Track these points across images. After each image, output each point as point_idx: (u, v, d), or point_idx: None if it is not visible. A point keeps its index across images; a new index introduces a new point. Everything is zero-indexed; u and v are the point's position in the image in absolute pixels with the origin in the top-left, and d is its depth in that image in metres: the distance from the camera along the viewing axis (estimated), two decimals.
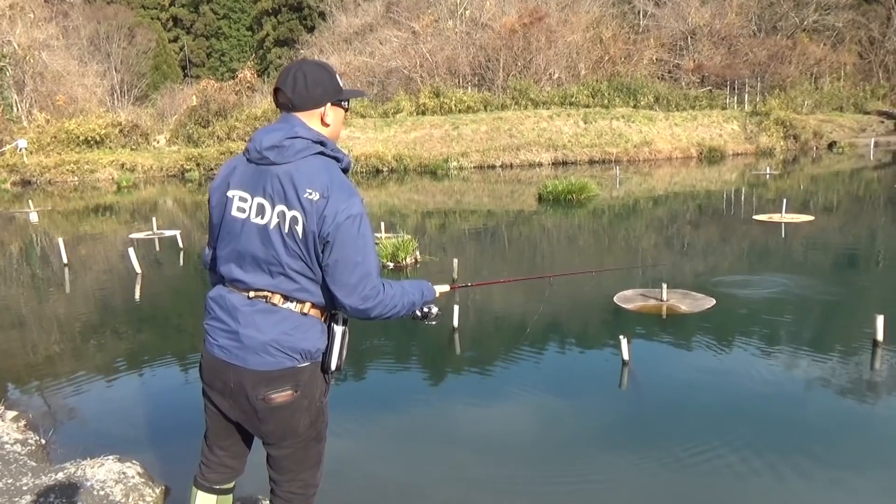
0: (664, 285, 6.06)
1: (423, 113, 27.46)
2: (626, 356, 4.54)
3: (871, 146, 26.96)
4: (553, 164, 24.60)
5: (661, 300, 5.97)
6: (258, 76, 39.16)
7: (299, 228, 1.90)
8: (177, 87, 42.36)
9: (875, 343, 4.72)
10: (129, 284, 8.02)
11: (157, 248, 10.60)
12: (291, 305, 1.97)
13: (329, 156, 1.99)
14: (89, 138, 27.44)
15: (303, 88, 1.96)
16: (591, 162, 24.67)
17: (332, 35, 39.71)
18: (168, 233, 11.52)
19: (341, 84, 2.05)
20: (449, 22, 32.04)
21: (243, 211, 1.97)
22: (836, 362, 4.62)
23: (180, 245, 10.39)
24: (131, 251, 8.53)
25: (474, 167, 24.30)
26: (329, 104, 2.01)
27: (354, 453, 3.57)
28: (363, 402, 4.35)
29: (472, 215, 13.98)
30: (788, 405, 3.98)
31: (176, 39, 59.95)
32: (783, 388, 4.24)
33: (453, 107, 27.39)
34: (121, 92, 42.32)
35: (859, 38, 37.15)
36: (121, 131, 28.84)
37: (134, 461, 3.19)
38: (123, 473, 3.01)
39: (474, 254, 9.72)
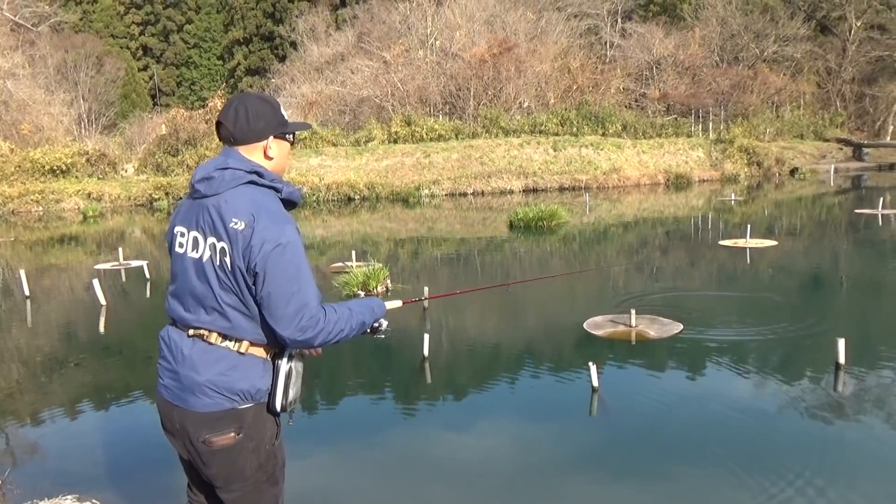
0: (633, 311, 6.13)
1: (395, 141, 27.62)
2: (595, 383, 4.56)
3: (832, 172, 27.79)
4: (524, 191, 24.85)
5: (630, 326, 6.03)
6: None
7: (227, 260, 1.86)
8: (146, 115, 41.99)
9: (837, 366, 4.81)
10: (93, 317, 7.85)
11: (124, 279, 10.41)
12: (229, 344, 1.91)
13: (264, 185, 1.95)
14: (55, 167, 27.02)
15: (244, 122, 1.95)
16: (562, 189, 24.98)
17: (304, 64, 39.91)
18: (135, 263, 11.33)
19: (286, 117, 2.04)
20: (420, 52, 32.44)
21: (182, 246, 1.97)
22: (801, 386, 4.70)
23: (147, 276, 10.22)
24: (96, 282, 8.36)
25: (446, 195, 24.44)
26: (272, 137, 2.00)
27: (324, 487, 3.52)
28: (332, 434, 4.30)
29: (445, 242, 14.02)
30: (756, 429, 4.03)
31: (146, 68, 59.63)
32: (750, 412, 4.29)
33: (424, 135, 27.61)
34: (88, 121, 41.83)
35: (817, 69, 38.50)
36: (87, 160, 28.45)
37: (94, 500, 3.10)
38: None
39: (446, 281, 9.72)
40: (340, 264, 10.17)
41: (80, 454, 4.05)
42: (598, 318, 6.40)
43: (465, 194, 24.55)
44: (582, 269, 9.73)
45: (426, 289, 7.39)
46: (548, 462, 3.75)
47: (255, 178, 1.93)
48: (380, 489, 3.54)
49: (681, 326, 6.03)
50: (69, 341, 7.09)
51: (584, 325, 6.24)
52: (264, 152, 2.00)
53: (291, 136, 2.08)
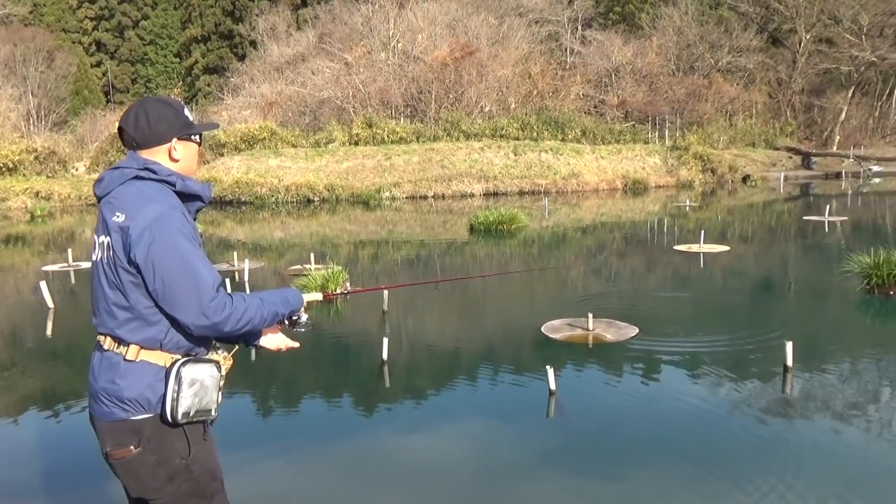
0: (590, 315, 6.20)
1: (356, 143, 27.48)
2: (552, 386, 4.60)
3: (782, 180, 28.69)
4: (484, 194, 24.99)
5: (588, 329, 6.10)
6: (186, 103, 38.31)
7: (112, 255, 1.84)
8: (99, 113, 40.82)
9: (785, 368, 4.96)
10: (40, 320, 7.58)
11: (73, 281, 10.09)
12: (120, 350, 1.86)
13: (152, 179, 1.91)
14: (1, 165, 26.10)
15: (145, 125, 1.93)
16: (522, 193, 25.19)
17: (264, 64, 39.41)
18: (85, 265, 10.99)
19: (191, 118, 2.01)
20: (381, 54, 32.36)
21: (94, 251, 1.95)
22: (752, 387, 4.82)
23: None
24: (43, 284, 8.08)
25: (406, 197, 24.40)
26: (176, 139, 1.97)
27: (281, 493, 3.46)
28: (289, 439, 4.24)
29: (405, 245, 13.99)
30: (707, 431, 4.11)
31: (99, 64, 58.02)
32: (702, 413, 4.38)
33: (386, 137, 27.54)
34: (37, 117, 40.50)
35: (769, 80, 39.75)
36: (36, 158, 27.58)
37: None
38: None
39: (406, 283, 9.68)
40: (299, 267, 10.05)
41: (23, 462, 3.90)
42: (556, 322, 6.46)
43: (425, 197, 24.56)
44: (527, 269, 9.82)
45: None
46: (505, 464, 3.76)
47: (143, 173, 1.90)
48: (337, 494, 3.50)
49: (637, 330, 6.13)
50: (14, 345, 6.83)
51: (542, 329, 6.29)
52: (169, 154, 1.97)
53: (198, 137, 2.04)
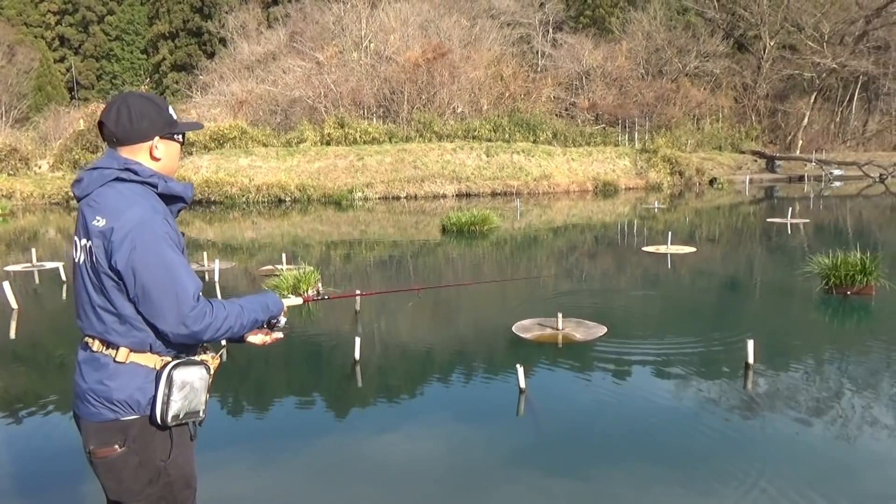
0: (559, 314, 6.29)
1: (328, 143, 27.33)
2: (522, 384, 4.67)
3: (747, 183, 29.31)
4: (457, 195, 25.06)
5: (557, 329, 6.20)
6: (149, 92, 37.67)
7: (93, 259, 1.83)
8: (62, 109, 39.87)
9: (747, 365, 5.10)
10: (3, 321, 7.42)
11: (37, 281, 9.89)
12: (110, 352, 1.86)
13: (136, 181, 1.89)
14: None
15: (126, 122, 1.89)
16: (494, 194, 25.33)
17: (234, 62, 38.93)
18: (49, 265, 10.78)
19: (174, 116, 1.99)
20: (353, 54, 32.23)
21: (75, 252, 1.93)
22: (715, 385, 4.95)
23: (63, 278, 9.74)
24: (6, 285, 7.92)
25: (379, 198, 24.37)
26: (158, 137, 1.94)
27: (250, 495, 3.46)
28: (259, 440, 4.23)
29: (377, 246, 13.98)
30: (672, 428, 4.22)
31: (62, 59, 56.75)
32: (668, 411, 4.49)
33: (358, 137, 27.45)
34: None
35: (734, 84, 40.52)
36: None
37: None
38: None
39: (378, 285, 9.70)
40: (270, 267, 10.00)
41: None
42: (527, 322, 6.54)
43: (398, 198, 24.55)
44: (504, 277, 9.93)
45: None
46: (476, 462, 3.81)
47: (124, 174, 1.88)
48: (308, 495, 3.52)
49: (605, 329, 6.24)
50: None
51: (513, 328, 6.36)
52: (150, 153, 1.95)
53: (181, 136, 2.03)
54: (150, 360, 1.87)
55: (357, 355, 5.48)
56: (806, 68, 39.26)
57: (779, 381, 4.99)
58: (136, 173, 1.88)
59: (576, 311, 6.93)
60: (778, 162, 34.36)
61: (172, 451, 1.92)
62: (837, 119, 41.92)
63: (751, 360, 5.07)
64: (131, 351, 1.85)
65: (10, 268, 10.84)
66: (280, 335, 2.18)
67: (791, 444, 3.94)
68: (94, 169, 1.90)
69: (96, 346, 1.87)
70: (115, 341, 1.85)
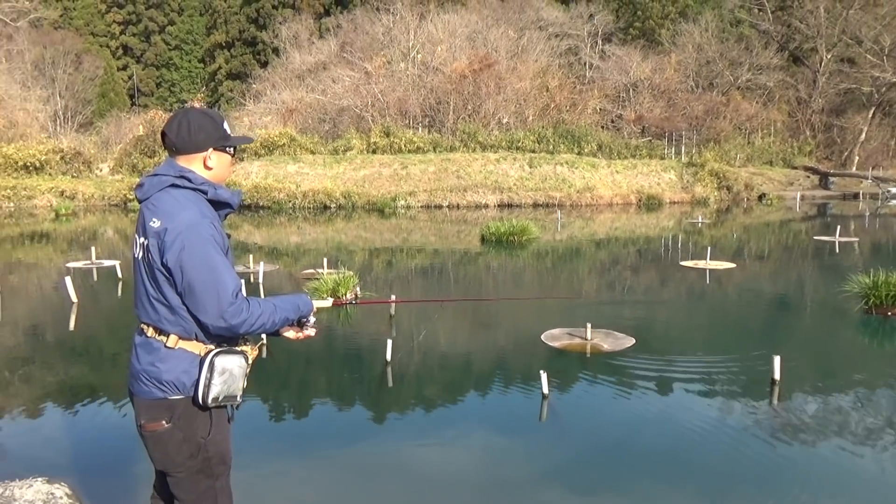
0: (588, 325, 6.40)
1: (374, 151, 27.85)
2: (545, 390, 4.81)
3: (798, 199, 28.60)
4: (499, 205, 25.21)
5: (586, 339, 6.31)
6: (208, 108, 39.04)
7: (149, 256, 2.07)
8: (123, 115, 41.67)
9: (773, 381, 5.13)
10: (63, 314, 7.92)
11: (95, 278, 10.46)
12: (161, 338, 2.10)
13: (188, 187, 2.13)
14: (28, 164, 26.80)
15: (185, 133, 2.14)
16: (536, 205, 25.39)
17: (285, 71, 39.99)
18: (107, 262, 11.38)
19: (228, 131, 2.23)
20: (401, 64, 32.78)
21: (134, 248, 2.19)
22: (739, 399, 4.99)
23: (119, 276, 10.28)
24: (68, 280, 8.44)
25: (421, 206, 24.70)
26: (212, 149, 2.19)
27: (277, 493, 3.70)
28: (292, 440, 4.48)
29: (418, 254, 14.24)
30: (695, 440, 4.30)
31: (125, 68, 59.24)
32: (690, 423, 4.56)
33: (403, 147, 27.89)
34: (64, 118, 41.43)
35: (788, 98, 39.60)
36: (62, 158, 28.26)
37: (62, 483, 3.26)
38: (52, 494, 3.10)
39: (416, 291, 9.94)
40: (312, 270, 10.34)
41: (48, 444, 4.18)
42: (556, 331, 6.67)
43: (440, 206, 24.84)
44: (535, 292, 10.03)
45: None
46: (497, 464, 3.98)
47: (179, 181, 2.12)
48: (336, 496, 3.71)
49: (633, 341, 6.32)
50: (38, 338, 7.16)
51: (542, 337, 6.50)
52: (204, 162, 2.19)
53: (232, 148, 2.27)
54: (196, 347, 2.12)
55: (388, 356, 5.70)
56: (864, 82, 38.14)
57: (803, 399, 5.01)
58: (189, 180, 2.14)
59: (606, 321, 7.02)
60: (832, 178, 33.44)
61: (212, 429, 2.17)
62: None
63: (777, 376, 5.09)
64: (180, 338, 2.10)
65: (71, 264, 11.47)
66: (311, 332, 2.39)
67: (808, 464, 3.98)
68: (154, 175, 2.17)
69: (150, 332, 2.13)
70: (166, 329, 2.10)
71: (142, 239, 2.12)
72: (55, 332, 7.44)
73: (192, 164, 2.19)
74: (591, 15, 41.92)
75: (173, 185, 2.13)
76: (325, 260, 10.51)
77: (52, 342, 6.99)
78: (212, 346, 2.13)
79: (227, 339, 2.17)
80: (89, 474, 3.64)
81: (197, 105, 33.19)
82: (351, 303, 2.81)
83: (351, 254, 13.73)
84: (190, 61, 61.77)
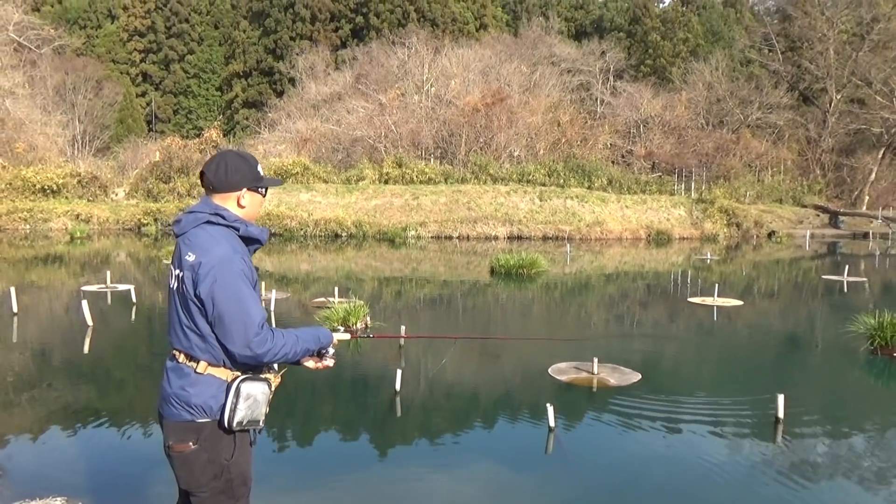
0: (595, 359, 6.47)
1: (386, 182, 28.19)
2: (552, 423, 4.88)
3: (808, 237, 28.61)
4: (508, 238, 25.37)
5: (593, 373, 6.37)
6: (224, 136, 39.68)
7: (183, 287, 2.23)
8: (141, 141, 42.44)
9: (777, 420, 5.17)
10: (79, 337, 8.07)
11: (109, 302, 10.63)
12: (191, 364, 2.24)
13: (221, 224, 2.30)
14: (46, 187, 27.27)
15: (223, 175, 2.33)
16: (545, 238, 25.53)
17: (301, 101, 40.71)
18: (121, 287, 11.56)
19: (261, 173, 2.42)
20: (415, 97, 33.32)
21: (170, 279, 2.35)
22: (743, 437, 5.03)
23: (133, 300, 10.45)
24: (84, 304, 8.60)
25: (432, 237, 24.89)
26: (246, 189, 2.37)
27: None
28: (299, 468, 4.56)
29: (427, 284, 14.36)
30: (700, 478, 4.34)
31: (144, 94, 60.35)
32: (696, 461, 4.61)
33: (415, 177, 28.22)
34: (82, 142, 42.23)
35: (798, 137, 39.84)
36: (79, 182, 28.74)
37: (82, 502, 3.36)
38: None
39: (425, 322, 10.03)
40: (323, 299, 10.47)
41: (64, 466, 4.28)
42: (563, 364, 6.74)
43: (450, 237, 25.01)
44: (543, 332, 10.09)
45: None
46: (502, 497, 4.04)
47: (213, 218, 2.30)
48: None
49: (640, 376, 6.38)
50: (55, 360, 7.30)
51: (549, 370, 6.57)
52: (238, 201, 2.37)
53: (264, 189, 2.45)
54: (224, 374, 2.26)
55: (398, 386, 5.79)
56: (874, 123, 38.37)
57: (807, 438, 5.04)
58: (223, 217, 2.31)
59: (613, 356, 7.08)
60: (842, 217, 33.44)
61: (235, 452, 2.30)
62: None
63: (780, 414, 5.14)
64: (209, 364, 2.25)
65: (86, 287, 11.66)
66: (330, 363, 2.54)
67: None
68: (191, 213, 2.34)
69: (182, 358, 2.28)
70: (196, 355, 2.25)
71: (177, 271, 2.28)
72: (70, 354, 7.57)
73: (227, 202, 2.36)
74: (603, 52, 42.59)
75: (208, 222, 2.30)
76: (335, 288, 10.64)
77: (68, 365, 7.12)
78: (238, 373, 2.27)
79: (252, 367, 2.30)
80: (105, 495, 3.73)
81: (215, 134, 33.83)
82: (368, 336, 2.96)
83: (361, 283, 13.87)
84: (207, 89, 62.87)
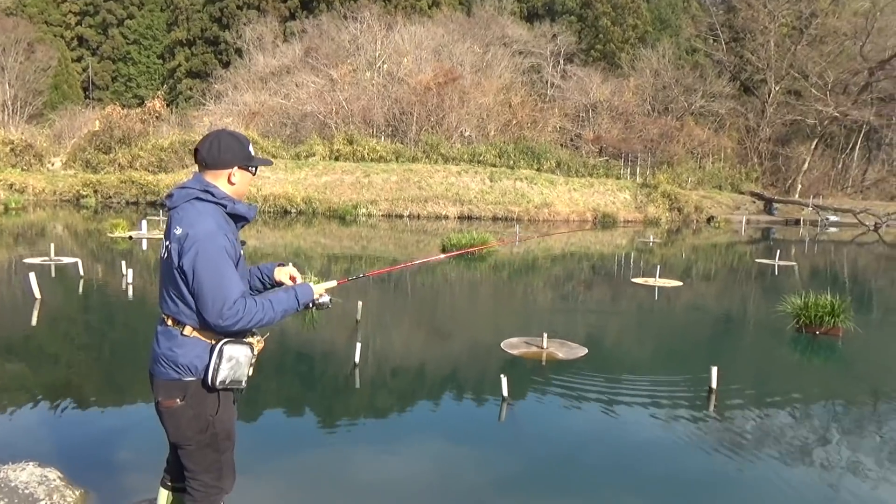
0: (545, 334, 6.78)
1: (336, 158, 27.98)
2: (505, 393, 5.14)
3: (744, 223, 29.84)
4: (459, 217, 25.63)
5: (542, 348, 6.67)
6: (167, 106, 38.45)
7: (171, 258, 2.38)
8: (77, 108, 40.68)
9: (710, 390, 5.57)
10: (26, 310, 7.90)
11: (53, 275, 10.37)
12: (178, 328, 2.40)
13: (210, 201, 2.43)
14: None
15: (216, 152, 2.46)
16: (495, 218, 25.90)
17: (248, 73, 39.74)
18: (66, 260, 11.27)
19: (252, 153, 2.55)
20: (367, 73, 33.03)
21: (162, 251, 2.48)
22: (680, 406, 5.41)
23: (81, 273, 10.22)
24: (32, 276, 8.40)
25: (382, 215, 24.93)
26: (237, 167, 2.50)
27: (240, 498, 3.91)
28: (257, 438, 4.69)
29: (378, 262, 14.47)
30: (639, 447, 4.68)
31: (80, 59, 57.74)
32: (636, 430, 4.95)
33: (366, 155, 28.11)
34: (13, 108, 40.26)
35: (738, 126, 41.27)
36: (12, 150, 27.52)
37: (54, 467, 3.42)
38: (45, 476, 3.26)
39: (378, 298, 10.18)
40: None
41: (34, 433, 4.29)
42: (514, 339, 7.02)
43: (401, 216, 25.11)
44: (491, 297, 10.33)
45: (366, 316, 7.86)
46: (459, 462, 4.28)
47: (202, 195, 2.43)
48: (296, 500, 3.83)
49: (586, 350, 6.72)
50: (2, 333, 7.16)
51: (502, 345, 6.84)
52: (228, 178, 2.50)
53: (254, 168, 2.58)
54: (208, 337, 2.42)
55: (357, 359, 5.95)
56: (809, 115, 40.03)
57: (738, 406, 5.46)
58: (212, 195, 2.45)
59: (561, 332, 7.41)
60: (776, 205, 34.95)
61: (219, 408, 2.48)
62: (839, 166, 42.59)
63: (714, 385, 5.54)
64: (194, 329, 2.41)
65: (28, 260, 11.32)
66: (327, 307, 2.73)
67: (744, 467, 4.40)
68: (183, 188, 2.47)
69: (170, 322, 2.43)
70: (182, 320, 2.41)
71: (167, 242, 2.42)
72: (20, 327, 7.42)
73: (218, 179, 2.49)
74: (554, 35, 43.01)
75: (197, 198, 2.43)
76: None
77: (18, 337, 6.99)
78: (222, 336, 2.41)
79: (233, 332, 2.42)
80: (75, 460, 3.78)
81: (157, 104, 32.74)
82: (358, 277, 3.20)
83: (310, 260, 13.87)
84: (148, 56, 60.56)
